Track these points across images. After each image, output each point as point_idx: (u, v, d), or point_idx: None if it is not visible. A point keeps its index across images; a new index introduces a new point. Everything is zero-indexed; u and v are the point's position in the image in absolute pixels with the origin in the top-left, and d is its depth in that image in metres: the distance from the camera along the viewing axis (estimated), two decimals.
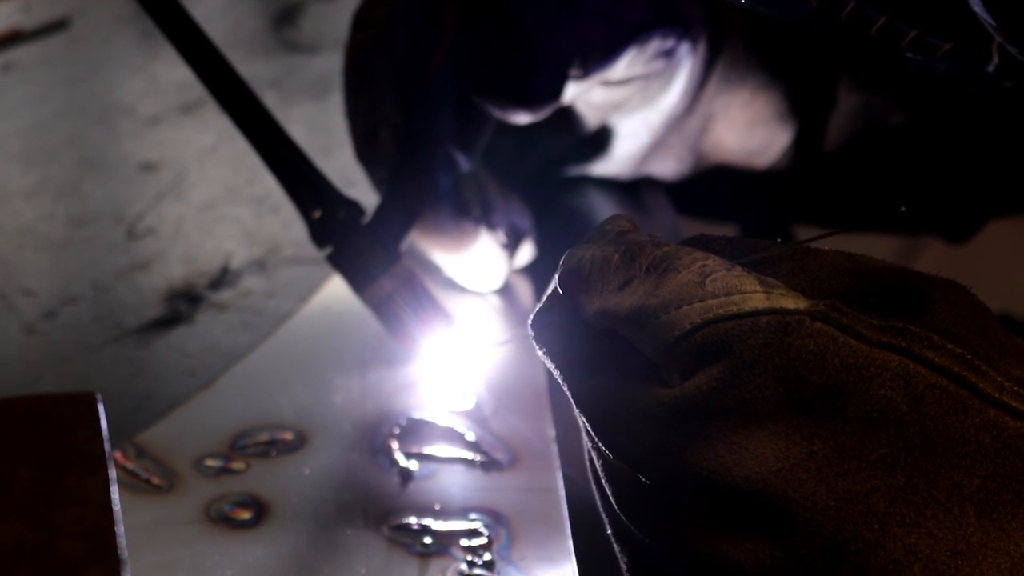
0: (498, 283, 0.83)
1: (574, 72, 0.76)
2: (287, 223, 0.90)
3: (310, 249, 0.84)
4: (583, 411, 0.56)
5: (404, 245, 0.77)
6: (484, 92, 0.76)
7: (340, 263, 0.75)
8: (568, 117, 0.82)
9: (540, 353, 0.59)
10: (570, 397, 0.57)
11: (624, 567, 0.58)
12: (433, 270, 0.82)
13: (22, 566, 0.46)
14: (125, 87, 1.07)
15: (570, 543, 0.68)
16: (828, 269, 0.55)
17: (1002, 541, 0.50)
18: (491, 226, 0.80)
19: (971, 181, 0.87)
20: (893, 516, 0.50)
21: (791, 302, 0.52)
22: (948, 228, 0.90)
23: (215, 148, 0.99)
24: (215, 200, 0.94)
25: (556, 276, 0.59)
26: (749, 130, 0.85)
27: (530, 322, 0.59)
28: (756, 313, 0.52)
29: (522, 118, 0.77)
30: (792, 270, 0.55)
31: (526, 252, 0.83)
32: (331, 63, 1.07)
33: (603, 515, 0.59)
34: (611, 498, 0.57)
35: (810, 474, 0.51)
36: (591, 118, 0.83)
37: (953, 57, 0.57)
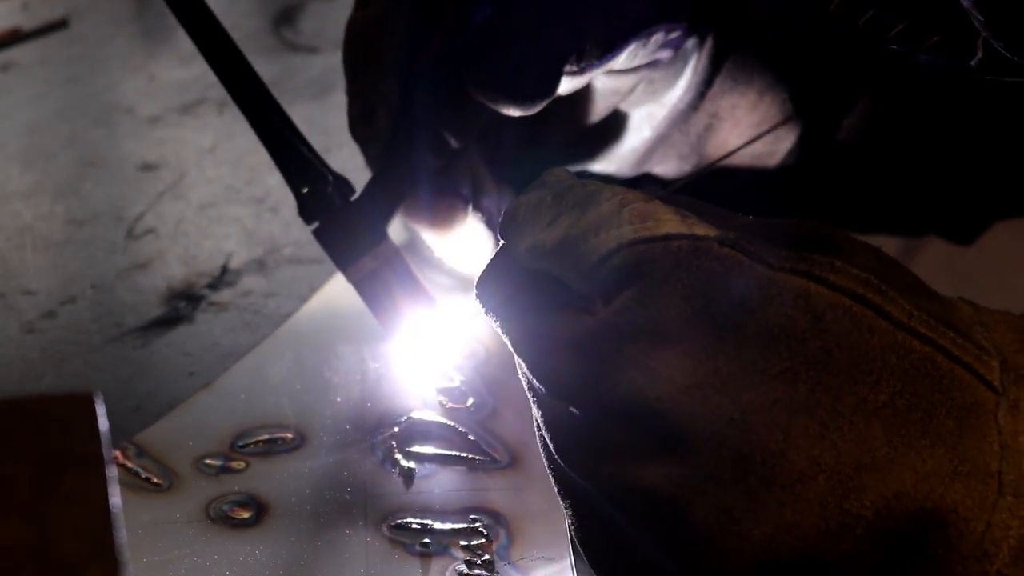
0: (475, 267, 0.82)
1: (570, 68, 0.76)
2: (287, 223, 0.90)
3: (310, 249, 0.84)
4: (518, 352, 0.58)
5: (390, 223, 0.77)
6: (477, 84, 0.76)
7: (325, 238, 0.75)
8: (570, 105, 0.82)
9: (484, 313, 0.60)
10: (509, 345, 0.59)
11: (569, 524, 0.59)
12: (422, 249, 0.82)
13: (22, 566, 0.46)
14: (125, 87, 1.07)
15: (569, 543, 0.68)
16: (740, 219, 0.57)
17: (909, 456, 0.51)
18: (481, 209, 0.80)
19: (976, 182, 0.87)
20: (796, 427, 0.52)
21: (703, 230, 0.55)
22: (954, 229, 0.90)
23: (215, 148, 0.99)
24: (215, 200, 0.94)
25: (498, 229, 0.61)
26: (755, 131, 0.84)
27: (476, 282, 0.61)
28: (669, 237, 0.55)
29: (513, 112, 0.77)
30: (712, 217, 0.57)
31: None
32: (331, 63, 1.07)
33: (548, 472, 0.60)
34: (550, 445, 0.58)
35: (715, 389, 0.52)
36: (594, 108, 0.82)
37: (938, 50, 0.59)
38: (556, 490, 0.60)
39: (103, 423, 0.51)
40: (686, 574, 0.53)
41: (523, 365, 0.58)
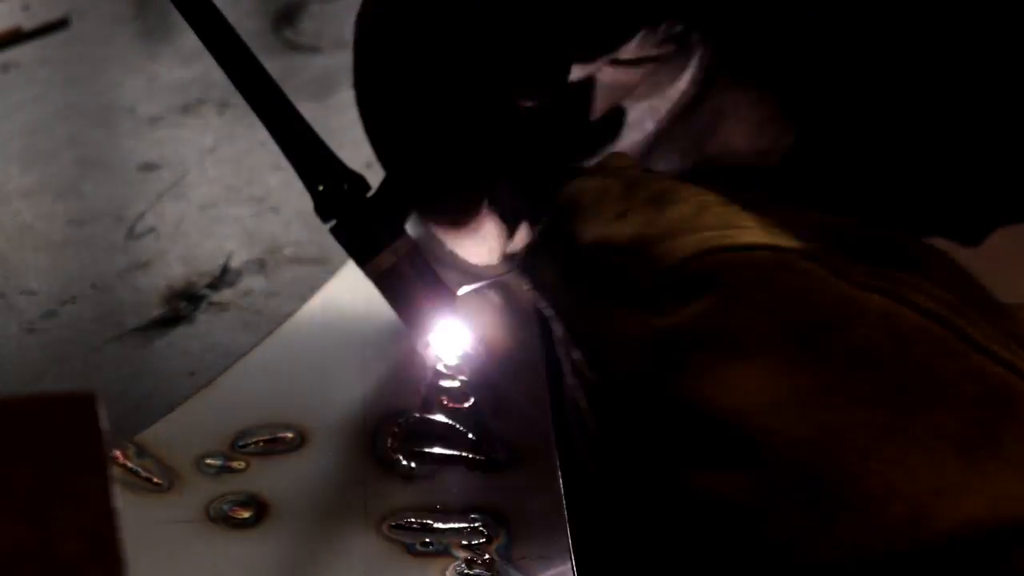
0: (496, 260, 0.82)
1: (579, 55, 0.76)
2: (287, 223, 0.90)
3: (310, 249, 0.84)
4: (576, 342, 0.57)
5: (408, 220, 0.76)
6: (488, 77, 0.76)
7: (342, 236, 0.75)
8: (574, 98, 0.82)
9: (530, 289, 0.59)
10: (562, 332, 0.57)
11: (611, 509, 0.59)
12: (437, 244, 0.82)
13: (22, 566, 0.46)
14: (125, 87, 1.07)
15: (570, 543, 0.68)
16: (824, 222, 0.56)
17: (979, 481, 0.51)
18: (495, 203, 0.80)
19: (984, 181, 0.87)
20: (873, 452, 0.51)
21: (785, 241, 0.54)
22: (960, 230, 0.90)
23: (215, 148, 0.99)
24: (215, 200, 0.94)
25: (551, 208, 0.59)
26: (758, 129, 0.84)
27: (522, 263, 0.60)
28: (751, 247, 0.53)
29: (527, 102, 0.77)
30: (795, 219, 0.56)
31: (522, 235, 0.83)
32: (331, 63, 1.07)
33: (588, 459, 0.60)
34: (598, 431, 0.57)
35: (792, 407, 0.52)
36: (598, 102, 0.82)
37: None
38: (593, 473, 0.59)
39: (103, 423, 0.51)
40: None
41: (581, 357, 0.57)
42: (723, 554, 0.54)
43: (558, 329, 0.58)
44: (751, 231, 0.54)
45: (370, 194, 0.76)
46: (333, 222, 0.75)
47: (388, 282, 0.75)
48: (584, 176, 0.59)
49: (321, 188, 0.75)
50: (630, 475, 0.57)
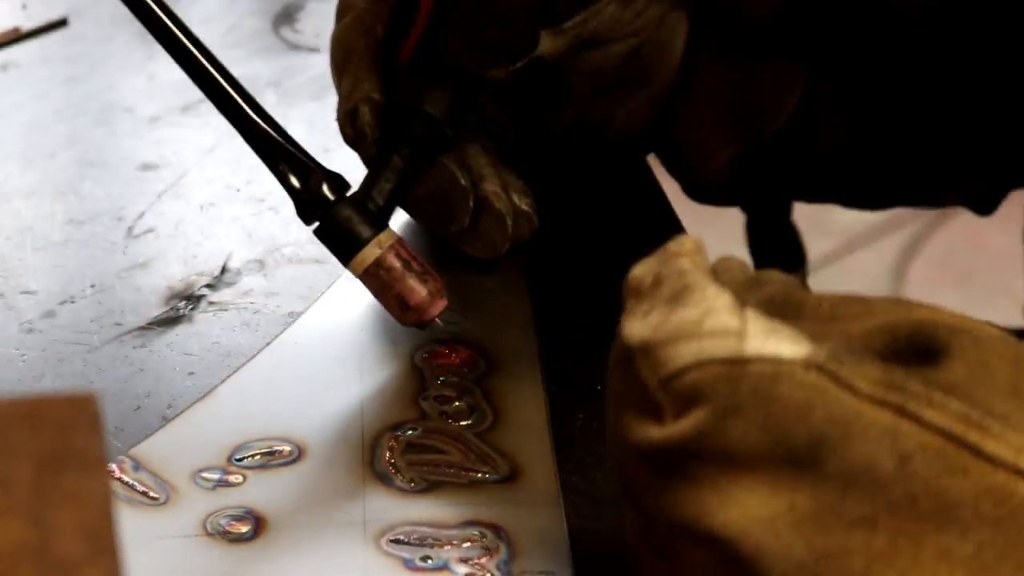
0: (501, 251, 0.82)
1: (548, 27, 0.76)
2: (287, 223, 0.90)
3: (310, 249, 0.84)
4: (607, 440, 0.56)
5: (390, 215, 0.76)
6: (458, 51, 0.76)
7: (326, 236, 0.75)
8: (566, 90, 0.81)
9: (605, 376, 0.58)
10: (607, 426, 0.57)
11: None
12: (430, 239, 0.82)
13: (22, 566, 0.46)
14: (125, 87, 1.07)
15: (570, 557, 0.67)
16: (863, 326, 0.53)
17: None
18: (485, 195, 0.80)
19: (996, 149, 0.86)
20: None
21: (789, 348, 0.51)
22: (975, 198, 0.89)
23: (215, 148, 0.99)
24: (215, 200, 0.94)
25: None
26: (755, 97, 0.83)
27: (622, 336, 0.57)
28: (748, 359, 0.51)
29: (498, 72, 0.77)
30: (824, 317, 0.54)
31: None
32: None
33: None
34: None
35: (788, 527, 0.50)
36: (589, 91, 0.82)
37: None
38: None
39: (103, 423, 0.51)
40: None
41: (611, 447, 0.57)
42: None
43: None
44: (754, 339, 0.52)
45: (351, 192, 0.76)
46: (316, 223, 0.75)
47: (374, 276, 0.75)
48: (644, 260, 0.57)
49: (299, 187, 0.74)
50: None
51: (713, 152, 0.84)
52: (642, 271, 0.56)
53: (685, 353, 0.52)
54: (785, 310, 0.55)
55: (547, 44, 0.77)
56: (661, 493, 0.52)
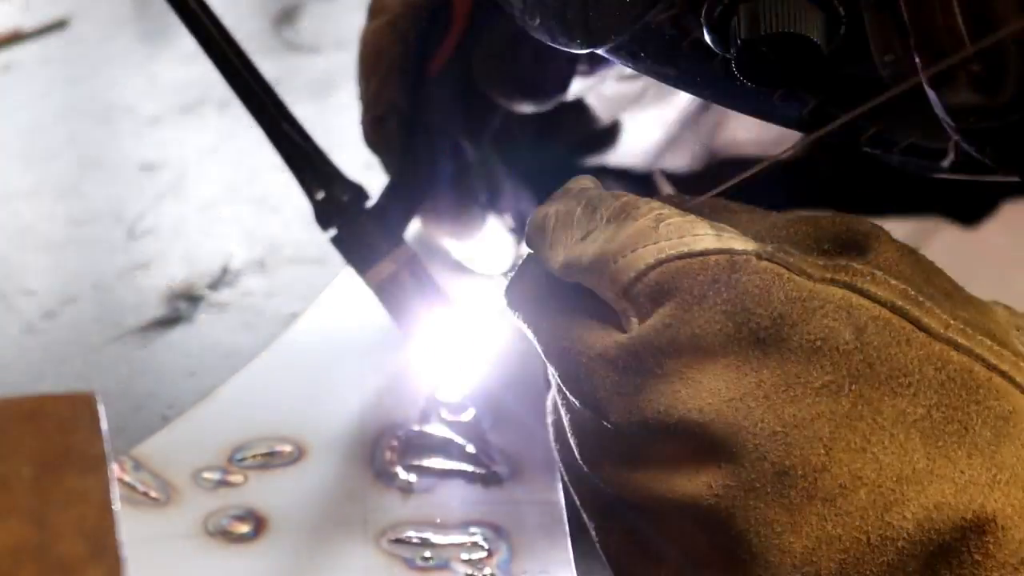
0: (506, 267, 0.83)
1: (581, 68, 0.77)
2: (287, 223, 0.90)
3: (310, 249, 0.84)
4: (551, 362, 0.58)
5: (407, 229, 0.77)
6: (490, 81, 0.76)
7: (343, 245, 0.75)
8: (582, 110, 0.82)
9: (515, 318, 0.60)
10: (541, 352, 0.59)
11: (594, 534, 0.60)
12: (442, 254, 0.83)
13: (22, 566, 0.46)
14: (125, 87, 1.07)
15: (571, 556, 0.68)
16: (784, 219, 0.57)
17: (947, 468, 0.52)
18: (498, 211, 0.80)
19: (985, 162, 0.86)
20: (838, 441, 0.52)
21: (740, 244, 0.55)
22: (959, 209, 0.89)
23: (215, 148, 0.99)
24: (215, 200, 0.94)
25: (524, 239, 0.61)
26: (763, 124, 0.84)
27: (504, 289, 0.61)
28: (706, 253, 0.54)
29: (527, 108, 0.77)
30: (750, 221, 0.57)
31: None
32: (331, 63, 1.07)
33: (568, 478, 0.60)
34: (576, 451, 0.58)
35: (758, 402, 0.53)
36: (605, 112, 0.82)
37: (910, 152, 0.59)
38: (577, 498, 0.60)
39: (103, 423, 0.51)
40: None
41: (556, 377, 0.58)
42: (692, 555, 0.55)
43: (539, 351, 0.60)
44: (705, 237, 0.55)
45: (370, 203, 0.76)
46: (333, 231, 0.75)
47: (387, 291, 0.76)
48: (548, 201, 0.61)
49: (321, 196, 0.75)
50: (607, 489, 0.57)
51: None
52: (553, 208, 0.59)
53: (645, 255, 0.55)
54: (712, 214, 0.58)
55: (577, 86, 0.78)
56: (631, 395, 0.54)
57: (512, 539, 0.68)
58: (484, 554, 0.68)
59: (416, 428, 0.75)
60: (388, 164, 0.80)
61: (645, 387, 0.54)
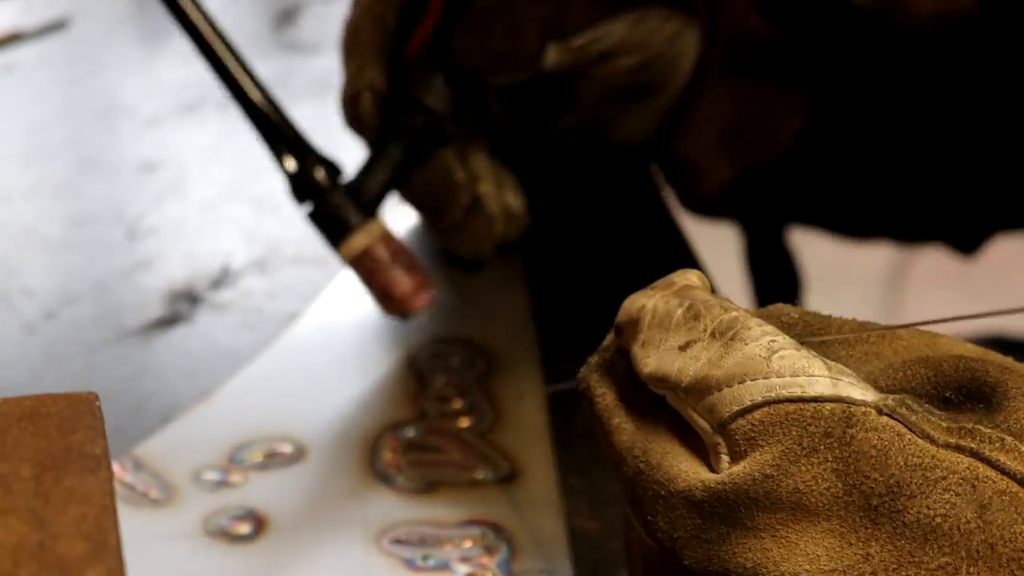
0: (487, 251, 0.82)
1: (556, 42, 0.77)
2: (287, 223, 0.90)
3: (311, 249, 0.84)
4: (624, 485, 0.54)
5: (382, 205, 0.77)
6: (464, 54, 0.76)
7: (318, 219, 0.76)
8: (571, 96, 0.82)
9: (589, 406, 0.56)
10: (610, 460, 0.54)
11: None
12: (423, 234, 0.83)
13: (22, 566, 0.46)
14: (125, 87, 1.07)
15: (570, 558, 0.67)
16: (903, 356, 0.52)
17: None
18: (479, 194, 0.80)
19: (981, 189, 0.86)
20: None
21: (859, 392, 0.50)
22: (958, 237, 0.89)
23: (215, 148, 0.99)
24: (215, 200, 0.94)
25: (614, 325, 0.56)
26: (758, 118, 0.84)
27: (582, 372, 0.56)
28: (821, 399, 0.50)
29: (500, 80, 0.77)
30: (866, 354, 0.53)
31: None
32: (331, 63, 1.07)
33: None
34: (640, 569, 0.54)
35: None
36: (595, 99, 0.82)
37: None
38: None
39: (103, 423, 0.51)
40: None
41: (627, 499, 0.54)
42: None
43: (607, 447, 0.55)
44: (822, 381, 0.50)
45: (346, 179, 0.76)
46: (309, 207, 0.76)
47: (363, 266, 0.76)
48: (646, 291, 0.55)
49: (293, 169, 0.75)
50: None
51: (711, 169, 0.83)
52: (651, 303, 0.54)
53: (753, 391, 0.50)
54: (825, 348, 0.53)
55: (553, 57, 0.77)
56: (714, 543, 0.50)
57: (512, 539, 0.68)
58: (484, 554, 0.68)
59: (415, 427, 0.75)
60: (365, 142, 0.80)
61: (731, 538, 0.50)
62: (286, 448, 0.74)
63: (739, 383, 0.50)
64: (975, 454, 0.49)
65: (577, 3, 0.77)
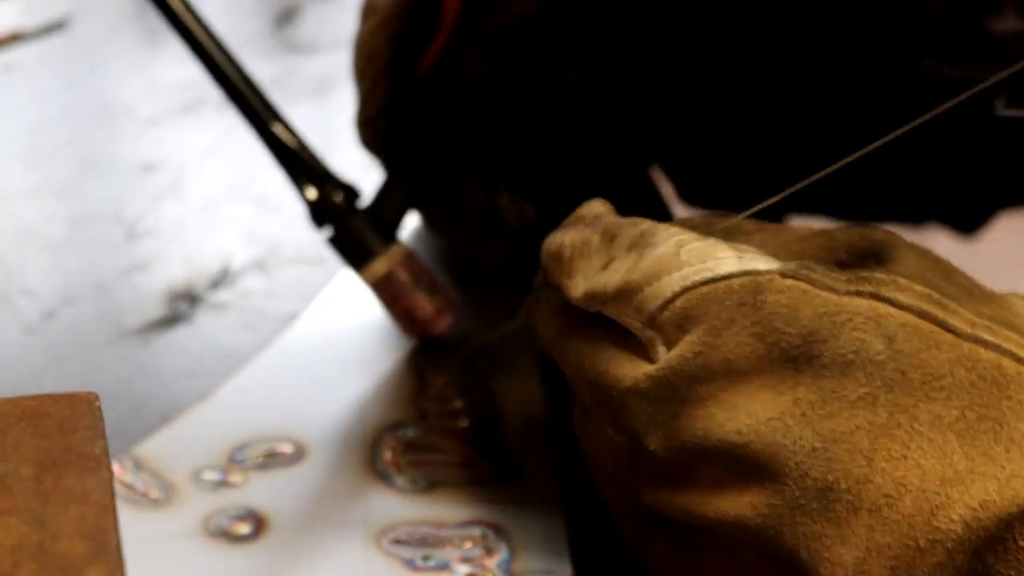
0: (500, 261, 0.83)
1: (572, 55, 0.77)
2: (287, 223, 0.90)
3: (311, 249, 0.84)
4: (581, 392, 0.59)
5: (401, 227, 0.77)
6: (477, 73, 0.77)
7: (339, 245, 0.76)
8: (578, 109, 0.82)
9: (536, 342, 0.61)
10: (568, 376, 0.60)
11: (633, 542, 0.61)
12: (442, 252, 0.83)
13: (22, 566, 0.46)
14: (125, 87, 1.07)
15: (571, 556, 0.68)
16: (797, 234, 0.58)
17: (988, 466, 0.52)
18: (495, 208, 0.81)
19: (982, 168, 0.86)
20: (879, 451, 0.53)
21: (763, 264, 0.55)
22: (957, 217, 0.90)
23: (215, 148, 0.99)
24: (215, 200, 0.94)
25: (539, 267, 0.61)
26: None
27: (523, 313, 0.62)
28: (730, 276, 0.55)
29: (512, 100, 0.78)
30: (765, 242, 0.58)
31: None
32: (331, 63, 1.07)
33: (604, 491, 0.61)
34: (613, 471, 0.59)
35: (796, 420, 0.53)
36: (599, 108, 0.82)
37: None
38: (614, 509, 0.61)
39: (103, 423, 0.51)
40: None
41: (588, 400, 0.59)
42: (750, 569, 0.55)
43: (565, 371, 0.61)
44: (728, 260, 0.56)
45: (363, 202, 0.76)
46: (329, 231, 0.76)
47: (384, 289, 0.76)
48: (560, 229, 0.62)
49: (314, 197, 0.75)
50: (651, 505, 0.58)
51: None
52: (568, 237, 0.60)
53: (671, 283, 0.56)
54: (728, 237, 0.59)
55: (569, 74, 0.78)
56: (668, 424, 0.55)
57: (512, 539, 0.68)
58: (484, 554, 0.68)
59: (416, 427, 0.75)
60: (382, 163, 0.80)
61: (681, 414, 0.55)
62: (286, 448, 0.74)
63: (657, 280, 0.56)
64: (874, 295, 0.54)
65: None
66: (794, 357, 0.54)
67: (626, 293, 0.57)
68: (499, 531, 0.69)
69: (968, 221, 0.90)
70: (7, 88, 1.06)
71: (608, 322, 0.58)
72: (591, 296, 0.58)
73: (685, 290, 0.55)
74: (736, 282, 0.55)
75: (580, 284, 0.59)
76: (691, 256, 0.56)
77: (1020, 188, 0.88)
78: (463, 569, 0.67)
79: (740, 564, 0.56)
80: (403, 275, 0.76)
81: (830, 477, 0.53)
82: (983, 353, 0.53)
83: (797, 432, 0.53)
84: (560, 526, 0.69)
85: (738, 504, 0.54)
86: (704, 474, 0.55)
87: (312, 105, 1.00)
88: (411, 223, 0.87)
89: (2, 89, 1.06)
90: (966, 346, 0.54)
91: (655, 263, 0.56)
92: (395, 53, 0.79)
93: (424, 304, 0.76)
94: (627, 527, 0.61)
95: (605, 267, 0.58)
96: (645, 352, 0.57)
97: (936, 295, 0.54)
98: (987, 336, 0.54)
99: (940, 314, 0.54)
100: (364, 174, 0.79)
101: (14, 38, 1.11)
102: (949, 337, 0.54)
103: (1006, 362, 0.53)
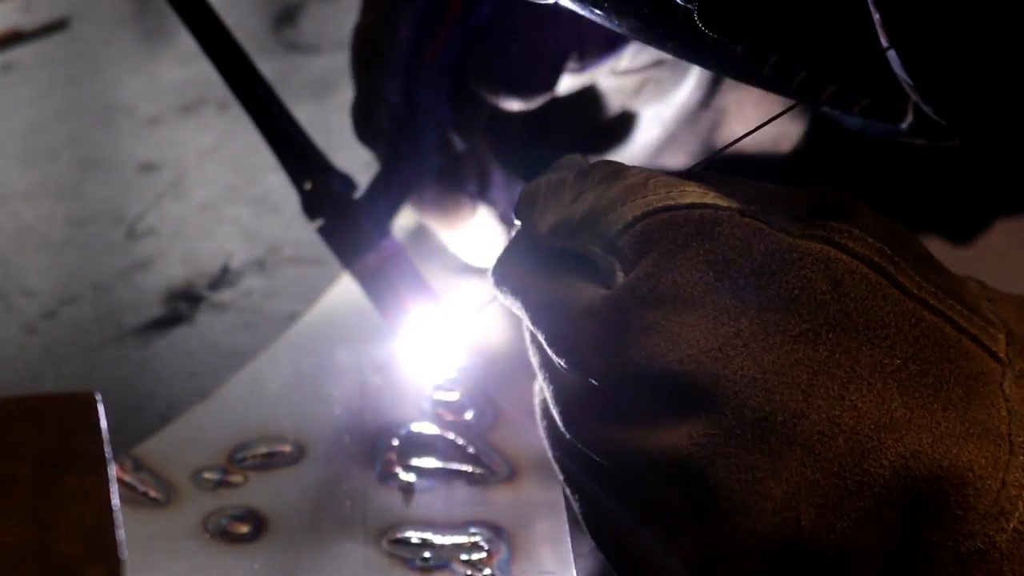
0: (490, 257, 0.83)
1: (571, 65, 0.77)
2: (287, 223, 0.90)
3: (311, 249, 0.84)
4: (537, 324, 0.59)
5: (394, 220, 0.77)
6: (478, 77, 0.77)
7: (329, 235, 0.76)
8: (579, 105, 0.82)
9: (501, 296, 0.62)
10: (527, 321, 0.60)
11: (578, 510, 0.60)
12: (436, 245, 0.83)
13: (22, 566, 0.46)
14: (125, 87, 1.07)
15: (571, 557, 0.67)
16: (761, 189, 0.59)
17: (925, 418, 0.53)
18: (490, 202, 0.80)
19: (977, 178, 0.86)
20: (817, 388, 0.53)
21: (726, 202, 0.56)
22: (952, 227, 0.90)
23: (215, 148, 0.99)
24: (215, 200, 0.94)
25: (514, 212, 0.62)
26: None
27: (491, 267, 0.62)
28: (692, 206, 0.56)
29: (513, 105, 0.77)
30: (730, 191, 0.59)
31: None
32: (331, 63, 1.07)
33: (553, 456, 0.61)
34: (559, 420, 0.59)
35: (737, 350, 0.54)
36: (603, 107, 0.83)
37: (868, 113, 0.60)
38: (561, 473, 0.61)
39: (103, 423, 0.51)
40: (701, 541, 0.54)
41: (541, 338, 0.59)
42: (673, 512, 0.55)
43: (524, 317, 0.61)
44: (692, 193, 0.56)
45: (358, 194, 0.76)
46: (320, 221, 0.76)
47: (373, 283, 0.76)
48: (539, 175, 0.62)
49: (308, 187, 0.75)
50: (591, 449, 0.58)
51: None
52: (544, 180, 0.61)
53: (632, 209, 0.56)
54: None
55: (568, 83, 0.78)
56: (613, 352, 0.55)
57: (512, 539, 0.68)
58: (484, 554, 0.68)
59: (416, 428, 0.75)
60: (379, 157, 0.80)
61: (627, 340, 0.55)
62: (286, 448, 0.74)
63: (621, 205, 0.57)
64: (827, 240, 0.55)
65: (595, 30, 0.77)
66: (741, 287, 0.54)
67: (590, 219, 0.57)
68: (499, 531, 0.69)
69: (963, 230, 0.90)
70: (7, 88, 1.06)
71: (572, 260, 0.59)
72: (558, 226, 0.59)
73: (646, 215, 0.56)
74: (696, 212, 0.56)
75: (548, 219, 0.59)
76: (657, 186, 0.57)
77: (1016, 194, 0.88)
78: (463, 569, 0.67)
79: (667, 513, 0.55)
80: (392, 271, 0.76)
81: (767, 408, 0.53)
82: (927, 315, 0.54)
83: (737, 362, 0.53)
84: (561, 526, 0.69)
85: (675, 435, 0.54)
86: (644, 405, 0.55)
87: (312, 105, 1.00)
88: (403, 219, 0.87)
89: (2, 89, 1.06)
90: (911, 304, 0.54)
91: (621, 190, 0.57)
92: (395, 46, 0.78)
93: (410, 299, 0.76)
94: (569, 488, 0.61)
95: (576, 200, 0.59)
96: (605, 282, 0.57)
97: (889, 251, 0.55)
98: (932, 300, 0.54)
99: (890, 268, 0.55)
100: (365, 172, 0.79)
101: (14, 38, 1.11)
102: (896, 292, 0.54)
103: (948, 328, 0.54)
